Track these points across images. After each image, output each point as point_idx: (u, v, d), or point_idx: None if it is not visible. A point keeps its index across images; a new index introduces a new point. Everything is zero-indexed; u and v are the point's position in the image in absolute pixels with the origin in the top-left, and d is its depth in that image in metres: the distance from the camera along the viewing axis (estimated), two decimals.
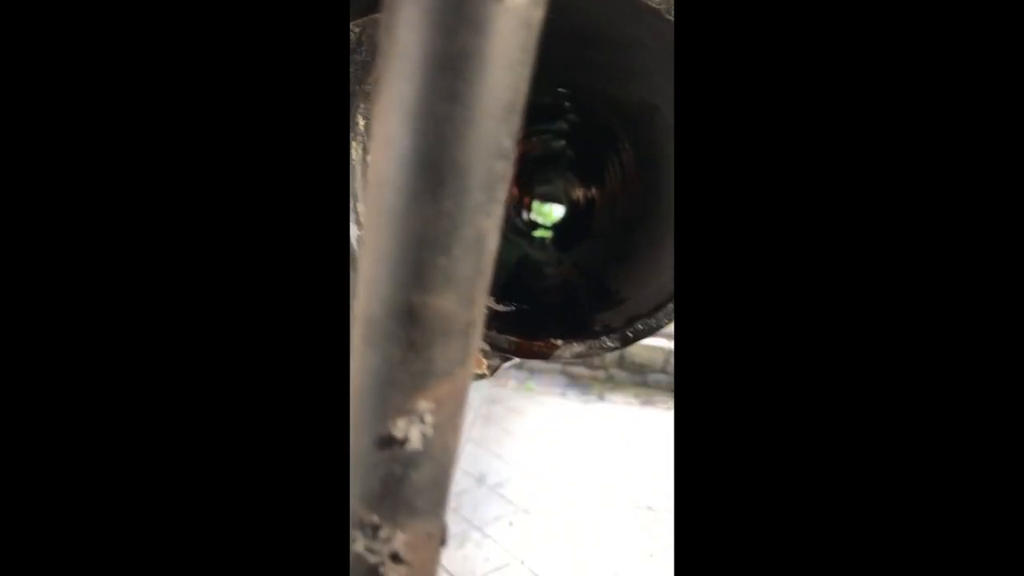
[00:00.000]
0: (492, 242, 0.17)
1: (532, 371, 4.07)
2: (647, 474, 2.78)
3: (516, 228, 0.86)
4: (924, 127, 0.39)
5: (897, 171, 0.39)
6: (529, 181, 0.96)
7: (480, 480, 2.58)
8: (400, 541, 0.20)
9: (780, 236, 0.40)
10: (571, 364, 4.09)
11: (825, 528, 0.40)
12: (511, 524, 2.29)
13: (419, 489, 0.20)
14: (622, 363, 4.02)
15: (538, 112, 0.53)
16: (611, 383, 3.95)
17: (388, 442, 0.19)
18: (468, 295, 0.17)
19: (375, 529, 0.20)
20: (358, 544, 0.20)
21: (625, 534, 2.30)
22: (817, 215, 0.40)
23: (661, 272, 0.31)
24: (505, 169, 0.16)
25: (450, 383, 0.18)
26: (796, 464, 0.40)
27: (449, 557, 2.06)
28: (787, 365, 0.40)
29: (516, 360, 0.30)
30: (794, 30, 0.39)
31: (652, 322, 0.29)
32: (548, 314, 0.30)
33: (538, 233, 0.91)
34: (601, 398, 3.75)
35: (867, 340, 0.40)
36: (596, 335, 0.30)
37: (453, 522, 2.24)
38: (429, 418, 0.18)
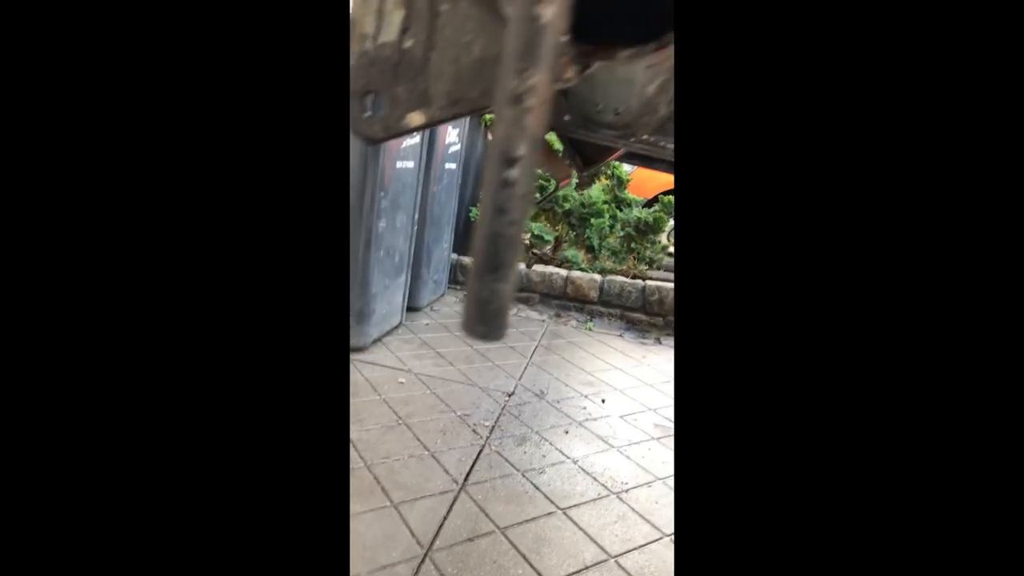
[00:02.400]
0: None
1: (592, 315, 4.23)
2: None
3: None
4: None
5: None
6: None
7: (540, 395, 2.80)
8: (535, 79, 0.39)
9: (777, 217, 0.43)
10: (631, 310, 4.19)
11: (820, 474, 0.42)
12: (566, 432, 2.50)
13: (548, 49, 0.39)
14: None
15: None
16: (669, 329, 4.07)
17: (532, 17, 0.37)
18: None
19: (523, 71, 0.39)
20: (511, 82, 0.39)
21: (670, 451, 2.47)
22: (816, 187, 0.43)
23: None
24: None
25: None
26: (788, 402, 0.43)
27: (510, 451, 2.29)
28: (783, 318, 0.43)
29: (593, 68, 0.47)
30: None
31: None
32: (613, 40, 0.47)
33: None
34: (659, 341, 3.89)
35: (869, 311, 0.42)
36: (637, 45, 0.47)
37: (515, 427, 2.47)
38: None
